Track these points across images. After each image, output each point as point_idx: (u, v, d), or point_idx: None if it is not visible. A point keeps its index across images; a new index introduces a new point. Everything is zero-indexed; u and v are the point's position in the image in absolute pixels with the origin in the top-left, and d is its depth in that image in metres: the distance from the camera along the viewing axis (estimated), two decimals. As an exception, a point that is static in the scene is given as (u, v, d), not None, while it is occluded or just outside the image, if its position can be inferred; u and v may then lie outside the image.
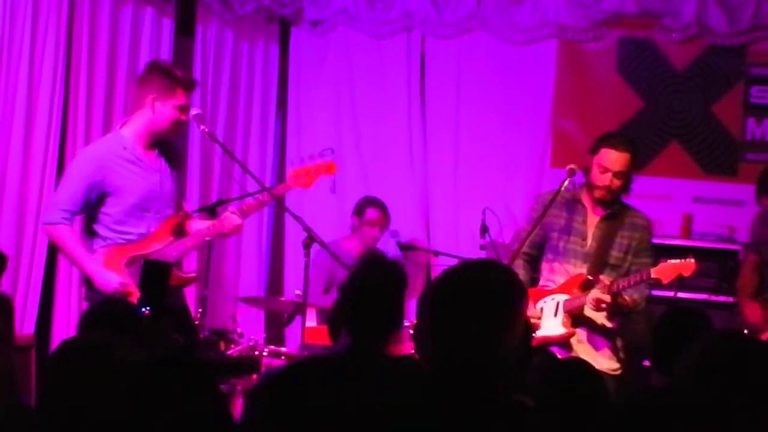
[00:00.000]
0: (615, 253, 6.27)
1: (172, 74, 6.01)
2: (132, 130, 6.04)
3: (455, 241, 8.40)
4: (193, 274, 6.31)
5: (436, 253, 7.86)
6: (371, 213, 7.83)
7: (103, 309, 4.44)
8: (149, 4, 7.94)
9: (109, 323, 4.19)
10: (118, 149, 5.99)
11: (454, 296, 2.93)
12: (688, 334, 4.54)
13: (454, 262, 6.80)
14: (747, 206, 7.90)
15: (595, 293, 6.09)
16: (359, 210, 7.88)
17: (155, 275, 5.08)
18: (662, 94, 8.42)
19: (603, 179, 6.19)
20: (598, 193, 6.24)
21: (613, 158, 6.16)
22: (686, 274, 6.12)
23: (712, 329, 4.69)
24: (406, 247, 7.81)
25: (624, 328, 6.62)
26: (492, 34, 8.58)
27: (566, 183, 6.24)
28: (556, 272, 6.35)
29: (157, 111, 5.96)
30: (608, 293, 6.07)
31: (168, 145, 6.21)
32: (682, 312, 5.07)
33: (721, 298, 7.67)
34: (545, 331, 6.20)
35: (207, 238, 6.14)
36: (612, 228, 6.28)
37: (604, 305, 6.10)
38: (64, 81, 7.46)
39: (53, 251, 7.42)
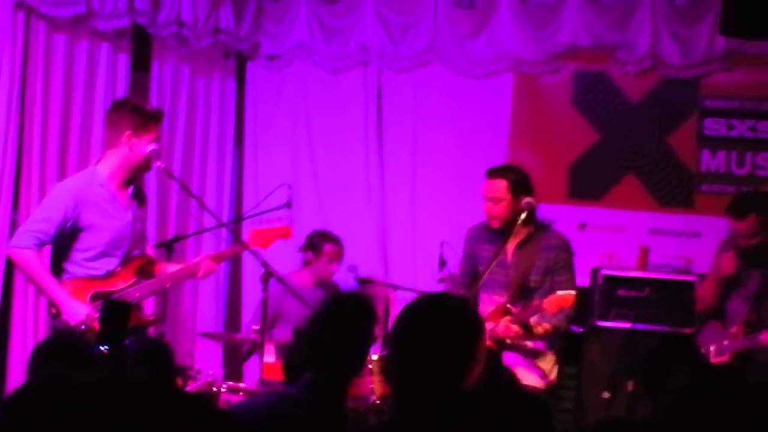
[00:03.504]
0: (534, 277, 6.45)
1: (143, 110, 6.13)
2: (108, 167, 6.07)
3: (413, 275, 8.38)
4: (152, 317, 6.33)
5: (395, 287, 7.83)
6: (330, 248, 7.78)
7: (58, 344, 4.36)
8: (105, 40, 7.89)
9: (64, 360, 4.12)
10: (95, 186, 6.02)
11: (415, 331, 2.93)
12: (679, 361, 4.59)
13: (412, 295, 6.84)
14: (703, 237, 7.96)
15: (505, 322, 6.31)
16: (315, 246, 7.78)
17: (116, 314, 5.03)
18: (617, 127, 8.47)
19: (485, 207, 6.50)
20: (489, 221, 6.48)
21: (486, 186, 6.51)
22: (565, 306, 6.26)
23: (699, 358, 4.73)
24: (364, 281, 7.78)
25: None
26: (448, 68, 8.60)
27: (523, 216, 6.29)
28: (484, 302, 6.53)
29: (134, 147, 6.01)
30: (515, 323, 6.29)
31: (138, 185, 6.28)
32: (673, 340, 5.10)
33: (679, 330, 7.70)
34: None
35: (176, 282, 6.25)
36: (528, 253, 6.43)
37: (513, 332, 6.31)
38: (18, 117, 7.40)
39: (9, 278, 7.35)
